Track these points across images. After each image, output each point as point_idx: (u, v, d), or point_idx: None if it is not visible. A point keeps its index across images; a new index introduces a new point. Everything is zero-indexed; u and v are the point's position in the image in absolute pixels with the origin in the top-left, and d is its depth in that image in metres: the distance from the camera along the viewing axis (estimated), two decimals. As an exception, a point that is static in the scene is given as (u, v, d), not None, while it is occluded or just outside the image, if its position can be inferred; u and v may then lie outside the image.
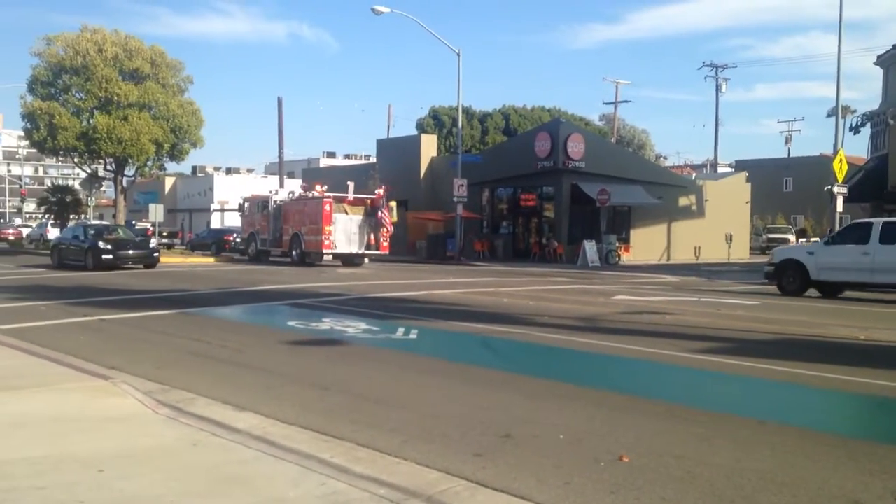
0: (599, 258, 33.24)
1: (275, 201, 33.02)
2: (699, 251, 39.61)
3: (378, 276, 23.90)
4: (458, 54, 35.90)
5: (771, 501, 4.47)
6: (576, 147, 35.35)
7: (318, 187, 31.54)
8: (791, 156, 69.15)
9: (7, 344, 9.26)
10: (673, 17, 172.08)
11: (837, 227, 23.85)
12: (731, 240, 39.58)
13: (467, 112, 53.21)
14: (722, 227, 39.95)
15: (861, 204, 34.51)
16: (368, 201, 30.68)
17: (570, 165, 35.23)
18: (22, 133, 42.37)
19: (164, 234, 43.37)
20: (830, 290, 18.90)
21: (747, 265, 34.96)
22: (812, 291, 18.93)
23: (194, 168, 79.05)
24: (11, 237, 55.57)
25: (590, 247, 33.18)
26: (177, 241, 47.41)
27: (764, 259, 26.23)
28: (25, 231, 60.17)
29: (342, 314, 13.28)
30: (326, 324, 12.00)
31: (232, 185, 64.39)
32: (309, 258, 30.50)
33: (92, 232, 27.06)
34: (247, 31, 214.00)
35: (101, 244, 25.61)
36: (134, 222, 43.96)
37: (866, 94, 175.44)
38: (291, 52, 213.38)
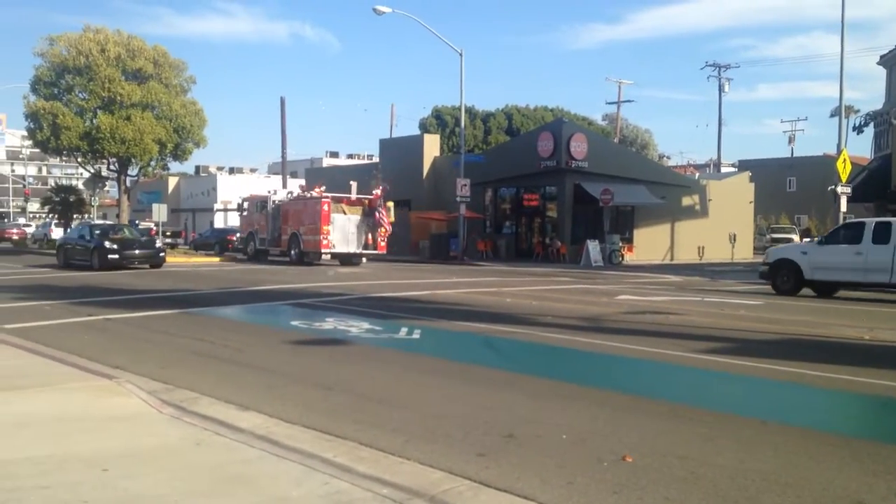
0: (602, 258, 33.22)
1: (273, 201, 33.23)
2: (703, 251, 39.57)
3: (380, 276, 23.91)
4: (461, 54, 35.91)
5: (775, 502, 4.46)
6: (579, 147, 35.32)
7: (316, 189, 31.82)
8: (794, 156, 69.09)
9: (11, 343, 9.28)
10: (674, 17, 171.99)
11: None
12: (734, 240, 39.54)
13: (470, 112, 53.21)
14: (725, 227, 39.90)
15: (865, 204, 34.46)
16: (366, 201, 30.88)
17: (573, 165, 35.21)
18: (25, 133, 42.50)
19: (168, 233, 43.41)
20: (824, 290, 18.96)
21: (751, 265, 34.86)
22: (807, 291, 18.97)
23: (197, 168, 79.07)
24: (15, 237, 55.65)
25: (593, 247, 33.17)
26: (180, 240, 47.46)
27: (767, 259, 26.19)
28: (29, 230, 60.29)
29: (345, 314, 13.29)
30: (329, 323, 12.00)
31: (235, 184, 64.40)
32: (307, 257, 30.67)
33: (98, 232, 27.09)
34: (249, 31, 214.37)
35: (106, 244, 25.63)
36: (137, 222, 43.99)
37: (869, 93, 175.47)
38: (294, 52, 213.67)
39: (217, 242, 40.46)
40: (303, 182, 44.30)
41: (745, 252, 42.32)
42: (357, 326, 11.61)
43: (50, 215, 49.35)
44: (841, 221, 25.96)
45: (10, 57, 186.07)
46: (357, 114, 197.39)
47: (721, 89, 59.58)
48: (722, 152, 62.46)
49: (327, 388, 7.40)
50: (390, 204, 31.47)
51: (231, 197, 59.76)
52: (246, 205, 35.20)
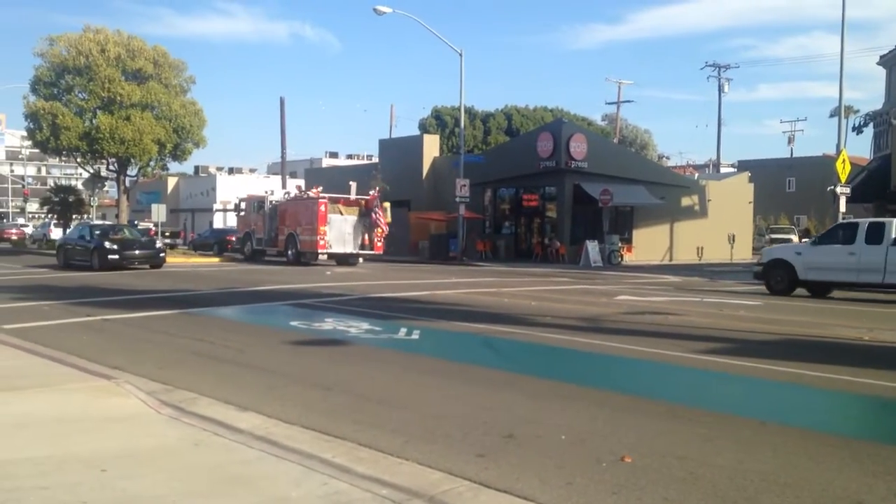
0: (602, 258, 33.23)
1: (270, 201, 33.35)
2: (702, 251, 39.58)
3: (379, 277, 23.91)
4: (461, 54, 35.91)
5: (774, 502, 4.46)
6: (578, 147, 35.34)
7: (313, 189, 31.98)
8: (794, 156, 69.12)
9: (10, 344, 9.27)
10: (674, 18, 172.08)
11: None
12: (733, 240, 39.54)
13: (470, 112, 53.20)
14: (725, 228, 39.91)
15: (864, 204, 34.46)
16: (363, 202, 31.05)
17: (572, 165, 35.22)
18: (25, 133, 42.47)
19: (167, 233, 43.42)
20: (818, 290, 19.03)
21: (750, 266, 34.70)
22: (802, 291, 19.03)
23: (197, 168, 79.04)
24: (14, 237, 55.60)
25: (592, 247, 33.17)
26: (179, 241, 47.45)
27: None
28: (27, 231, 60.22)
29: (344, 314, 13.28)
30: (329, 324, 12.00)
31: (234, 185, 64.38)
32: (304, 258, 30.78)
33: (98, 232, 27.06)
34: (249, 32, 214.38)
35: (107, 244, 25.61)
36: (136, 222, 43.97)
37: (869, 94, 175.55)
38: (294, 52, 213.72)
39: (216, 243, 40.45)
40: (300, 182, 44.35)
41: (744, 252, 42.32)
42: (356, 327, 11.60)
43: (49, 215, 49.32)
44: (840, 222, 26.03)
45: (10, 57, 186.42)
46: (357, 114, 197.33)
47: (721, 89, 59.62)
48: (721, 152, 62.55)
49: (327, 389, 7.40)
50: (387, 204, 31.61)
51: (230, 197, 59.77)
52: (243, 205, 35.32)
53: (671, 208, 39.81)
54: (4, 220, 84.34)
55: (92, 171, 40.95)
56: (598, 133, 49.34)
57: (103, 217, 54.00)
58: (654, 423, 6.18)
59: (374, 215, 30.43)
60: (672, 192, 40.07)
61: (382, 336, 10.85)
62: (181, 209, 68.27)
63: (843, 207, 26.74)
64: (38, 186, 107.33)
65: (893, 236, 17.51)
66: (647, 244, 39.05)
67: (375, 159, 50.72)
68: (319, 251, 29.80)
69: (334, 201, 30.70)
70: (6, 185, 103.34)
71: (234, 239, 38.78)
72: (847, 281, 18.36)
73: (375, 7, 33.87)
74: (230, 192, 61.17)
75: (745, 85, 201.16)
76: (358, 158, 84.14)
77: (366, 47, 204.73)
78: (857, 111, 51.69)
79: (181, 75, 39.10)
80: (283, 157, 48.02)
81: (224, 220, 60.22)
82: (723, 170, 62.94)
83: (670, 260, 39.56)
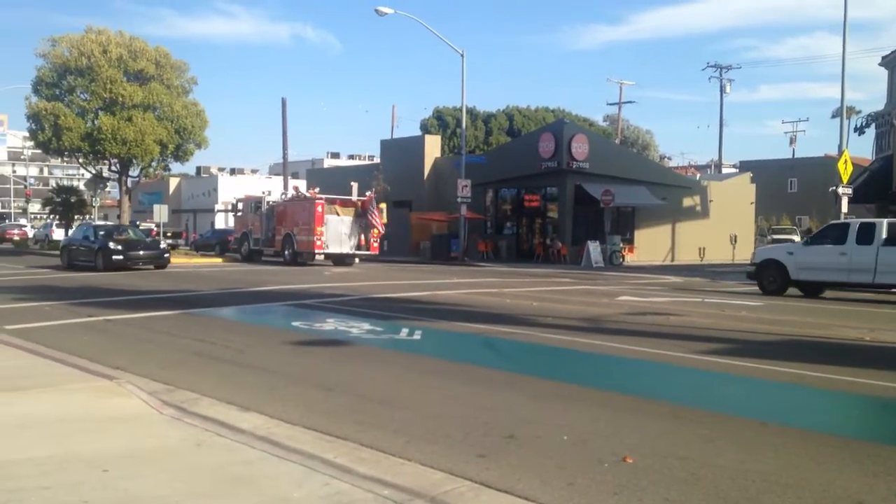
0: (603, 259, 33.22)
1: (268, 202, 33.49)
2: (703, 252, 39.56)
3: (381, 277, 23.92)
4: (462, 55, 35.92)
5: (775, 503, 4.46)
6: (580, 148, 35.33)
7: (310, 190, 32.20)
8: (796, 156, 69.07)
9: (12, 344, 9.29)
10: (676, 18, 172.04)
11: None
12: (735, 241, 39.52)
13: (471, 113, 53.21)
14: (726, 228, 39.89)
15: (866, 205, 34.44)
16: (359, 203, 31.28)
17: (573, 166, 35.22)
18: (27, 134, 42.61)
19: (168, 234, 43.49)
20: (810, 290, 19.11)
21: (751, 266, 34.85)
22: (795, 291, 19.11)
23: (198, 169, 79.12)
24: (17, 238, 55.66)
25: (594, 248, 33.17)
26: (181, 241, 47.49)
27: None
28: (28, 231, 60.25)
29: (346, 315, 13.29)
30: (330, 324, 12.01)
31: (236, 185, 64.45)
32: (301, 258, 30.96)
33: (102, 233, 27.07)
34: (251, 33, 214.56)
35: (111, 245, 25.63)
36: (138, 223, 44.03)
37: (871, 94, 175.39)
38: (295, 54, 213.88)
39: (218, 243, 40.51)
40: (301, 183, 44.45)
41: (745, 253, 42.13)
42: (358, 327, 11.61)
43: (51, 216, 49.38)
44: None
45: (12, 58, 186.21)
46: (358, 115, 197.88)
47: (722, 90, 59.64)
48: (723, 153, 62.53)
49: (328, 389, 7.41)
50: (383, 205, 31.86)
51: (232, 198, 59.82)
52: (240, 205, 35.54)
53: (673, 209, 39.79)
54: (7, 221, 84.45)
55: (94, 171, 41.01)
56: (599, 134, 49.34)
57: (105, 218, 54.05)
58: (656, 424, 6.18)
59: (370, 216, 30.65)
60: (674, 193, 40.06)
61: (384, 336, 10.86)
62: (183, 210, 68.36)
63: (844, 208, 26.71)
64: (40, 187, 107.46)
65: (884, 237, 17.69)
66: (649, 245, 39.04)
67: (377, 160, 50.76)
68: (316, 251, 30.01)
69: (331, 202, 30.89)
70: (8, 186, 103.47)
71: (232, 239, 38.88)
72: (838, 281, 18.51)
73: (377, 8, 33.92)
74: (232, 192, 61.25)
75: (746, 85, 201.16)
76: (359, 159, 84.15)
77: (367, 48, 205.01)
78: (859, 112, 51.63)
79: (183, 76, 39.17)
80: (284, 157, 47.98)
81: (226, 221, 60.27)
82: (724, 170, 62.90)
83: (672, 261, 39.54)
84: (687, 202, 41.58)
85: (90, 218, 42.88)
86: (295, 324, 12.13)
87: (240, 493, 4.32)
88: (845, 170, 26.72)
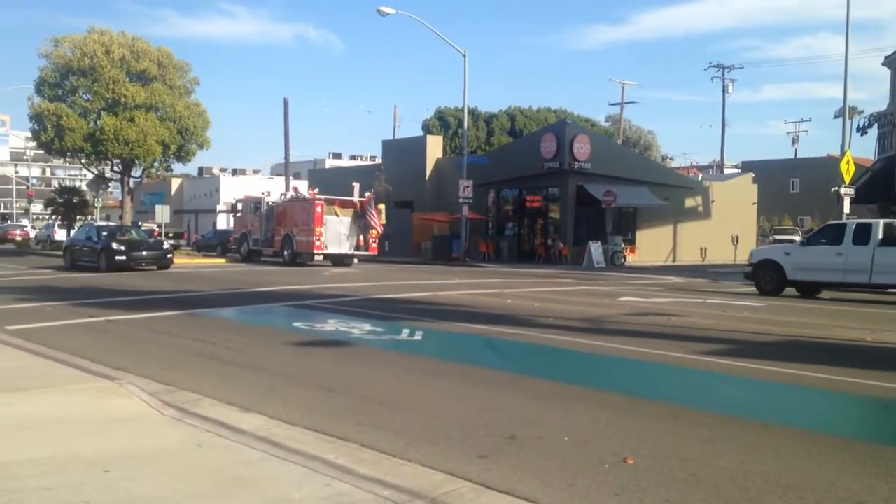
0: (605, 259, 33.20)
1: (267, 203, 33.61)
2: (705, 252, 39.51)
3: (382, 277, 23.92)
4: (464, 55, 35.93)
5: (776, 504, 4.46)
6: (581, 148, 35.32)
7: (309, 191, 32.36)
8: (798, 157, 68.98)
9: (14, 345, 9.30)
10: (678, 18, 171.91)
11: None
12: (737, 241, 39.45)
13: (473, 113, 53.22)
14: (728, 229, 39.83)
15: (868, 205, 34.39)
16: (357, 203, 31.39)
17: (575, 166, 35.20)
18: (29, 134, 42.67)
19: (170, 234, 43.53)
20: (807, 290, 19.15)
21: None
22: (792, 291, 19.11)
23: (200, 169, 79.20)
24: (19, 238, 55.72)
25: (595, 248, 33.14)
26: (182, 241, 47.53)
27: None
28: (31, 232, 60.29)
29: (347, 315, 13.29)
30: (331, 325, 12.02)
31: (238, 186, 64.51)
32: (300, 258, 31.08)
33: (105, 233, 27.08)
34: (253, 33, 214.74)
35: (114, 245, 25.63)
36: (140, 223, 44.05)
37: (874, 94, 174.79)
38: (297, 54, 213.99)
39: (220, 244, 40.54)
40: (298, 184, 44.53)
41: (748, 254, 42.20)
42: (359, 328, 11.61)
43: (53, 216, 49.40)
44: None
45: (15, 58, 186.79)
46: (360, 115, 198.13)
47: (725, 90, 59.67)
48: (725, 153, 62.52)
49: (329, 390, 7.41)
50: (381, 206, 32.00)
51: (232, 198, 59.89)
52: (240, 206, 35.68)
53: (675, 209, 39.76)
54: (9, 221, 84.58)
55: (96, 172, 41.06)
56: (601, 134, 49.33)
57: (107, 218, 54.09)
58: (657, 425, 6.18)
59: (368, 216, 30.79)
60: (676, 193, 40.02)
61: (385, 337, 10.86)
62: (185, 210, 68.41)
63: (847, 208, 26.68)
64: (43, 187, 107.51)
65: (880, 237, 17.73)
66: (651, 245, 39.00)
67: (379, 160, 50.78)
68: (315, 252, 30.13)
69: (330, 202, 31.03)
70: (10, 187, 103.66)
71: (232, 240, 38.94)
72: (835, 281, 18.57)
73: (379, 8, 33.92)
74: (233, 193, 61.29)
75: (749, 86, 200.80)
76: (361, 159, 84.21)
77: (369, 48, 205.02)
78: (862, 112, 51.59)
79: (185, 76, 39.20)
80: (286, 158, 47.97)
81: (227, 222, 60.32)
82: (727, 171, 62.88)
83: (674, 261, 39.50)
84: (689, 203, 41.55)
85: (92, 218, 42.93)
86: (296, 324, 12.14)
87: (240, 494, 4.32)
88: (848, 170, 26.69)
